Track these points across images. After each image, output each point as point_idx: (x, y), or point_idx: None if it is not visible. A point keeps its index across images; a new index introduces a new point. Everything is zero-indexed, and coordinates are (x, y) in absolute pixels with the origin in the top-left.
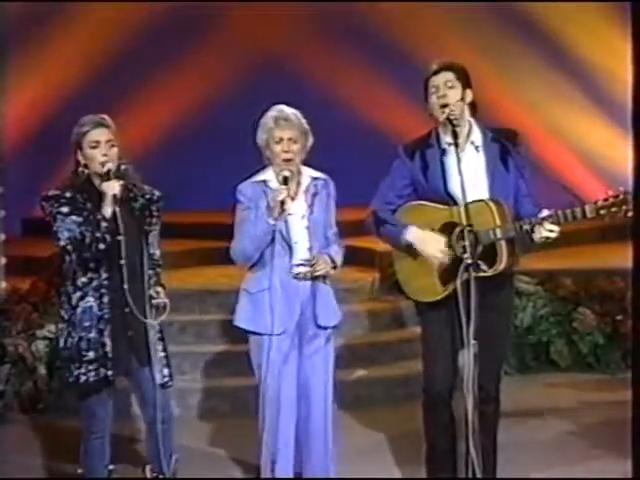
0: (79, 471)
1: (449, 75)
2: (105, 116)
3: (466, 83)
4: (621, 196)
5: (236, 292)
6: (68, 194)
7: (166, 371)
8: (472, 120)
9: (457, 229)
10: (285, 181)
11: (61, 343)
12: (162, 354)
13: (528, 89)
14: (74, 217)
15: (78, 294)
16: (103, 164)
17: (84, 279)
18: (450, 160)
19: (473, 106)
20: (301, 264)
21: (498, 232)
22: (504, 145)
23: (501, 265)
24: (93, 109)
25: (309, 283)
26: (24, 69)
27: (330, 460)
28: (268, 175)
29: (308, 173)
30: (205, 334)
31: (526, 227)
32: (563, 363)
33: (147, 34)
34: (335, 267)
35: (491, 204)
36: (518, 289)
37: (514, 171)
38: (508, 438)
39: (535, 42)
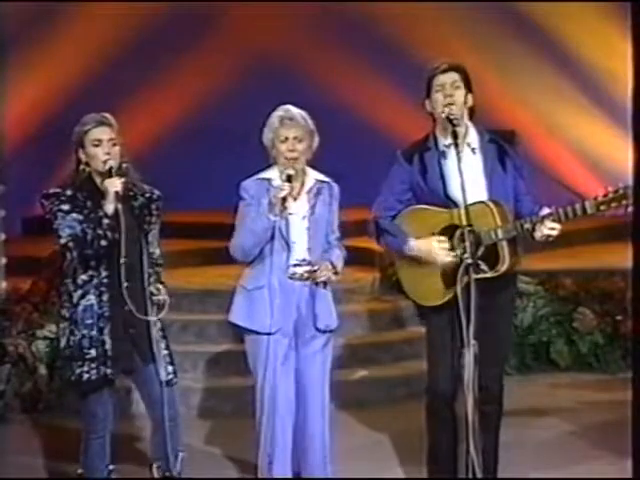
0: (79, 471)
1: (456, 76)
2: (107, 115)
3: (468, 86)
4: (620, 191)
5: None
6: (69, 192)
7: (170, 368)
8: (469, 123)
9: (458, 231)
10: (289, 179)
11: (63, 342)
12: (165, 352)
13: (528, 89)
14: (75, 215)
15: (79, 292)
16: (105, 162)
17: (84, 277)
18: (449, 162)
19: (471, 110)
20: (298, 264)
21: (499, 232)
22: (501, 146)
23: (504, 266)
24: (92, 109)
25: (307, 284)
26: (24, 69)
27: (328, 460)
28: (272, 174)
29: (313, 175)
30: (205, 334)
31: (527, 226)
32: (563, 363)
33: (147, 34)
34: (336, 273)
35: (491, 205)
36: (518, 289)
37: (512, 171)
38: (508, 438)
39: (535, 42)
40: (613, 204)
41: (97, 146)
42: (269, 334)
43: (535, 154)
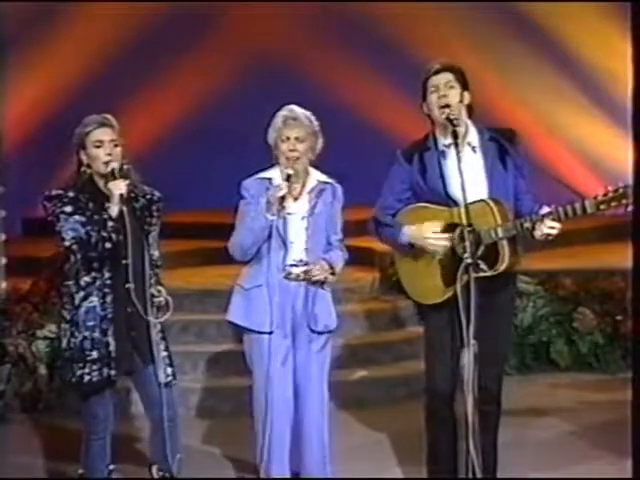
0: (79, 471)
1: (449, 76)
2: (109, 116)
3: (464, 85)
4: (620, 190)
5: None
6: (71, 194)
7: (169, 370)
8: (468, 121)
9: (458, 230)
10: (288, 178)
11: (64, 343)
12: (165, 353)
13: (528, 89)
14: (77, 217)
15: (81, 294)
16: (107, 163)
17: (87, 279)
18: (449, 162)
19: (470, 108)
20: (294, 264)
21: (499, 231)
22: (502, 145)
23: (503, 265)
24: (92, 109)
25: (303, 285)
26: (24, 69)
27: (327, 460)
28: (274, 173)
29: (316, 176)
30: (205, 334)
31: (527, 225)
32: (563, 363)
33: (147, 34)
34: (333, 273)
35: (491, 203)
36: (518, 289)
37: (513, 170)
38: (508, 438)
39: (535, 42)
40: (613, 203)
41: (99, 147)
42: (266, 333)
43: (535, 154)
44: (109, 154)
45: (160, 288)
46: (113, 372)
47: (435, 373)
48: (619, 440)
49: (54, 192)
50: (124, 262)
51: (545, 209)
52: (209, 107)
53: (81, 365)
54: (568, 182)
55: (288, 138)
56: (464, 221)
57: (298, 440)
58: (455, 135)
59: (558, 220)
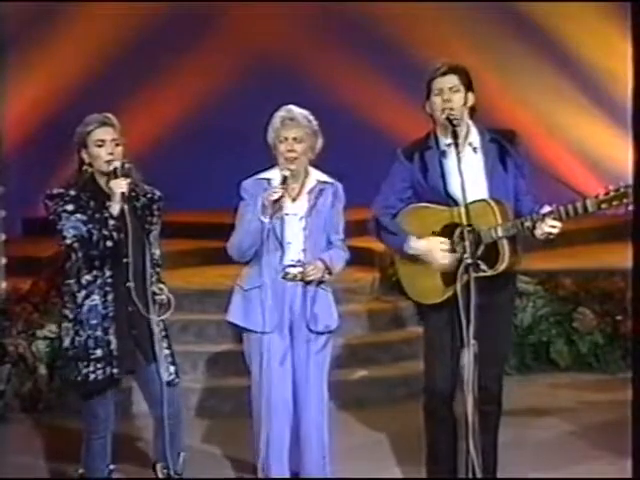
0: (80, 471)
1: (454, 79)
2: (110, 115)
3: (468, 86)
4: (622, 189)
5: None
6: (72, 192)
7: (172, 369)
8: (470, 122)
9: (458, 230)
10: (284, 181)
11: (66, 342)
12: (167, 352)
13: (528, 89)
14: (79, 215)
15: (83, 292)
16: (109, 162)
17: (89, 277)
18: (449, 161)
19: (472, 108)
20: (291, 265)
21: (500, 230)
22: (502, 145)
23: (503, 264)
24: (92, 109)
25: (301, 285)
26: (24, 69)
27: (327, 461)
28: (273, 174)
29: (315, 176)
30: (205, 334)
31: (527, 224)
32: (563, 363)
33: (147, 34)
34: (330, 273)
35: (492, 203)
36: (518, 289)
37: (513, 170)
38: (508, 438)
39: (535, 42)
40: (615, 202)
41: (100, 146)
42: (264, 333)
43: (535, 154)
44: (110, 153)
45: (162, 286)
46: (116, 370)
47: (434, 373)
48: (619, 440)
49: (55, 191)
50: (125, 260)
51: (546, 208)
52: (209, 107)
53: (86, 364)
54: (568, 182)
55: (286, 138)
56: (464, 221)
57: (298, 440)
58: (455, 135)
59: (559, 219)
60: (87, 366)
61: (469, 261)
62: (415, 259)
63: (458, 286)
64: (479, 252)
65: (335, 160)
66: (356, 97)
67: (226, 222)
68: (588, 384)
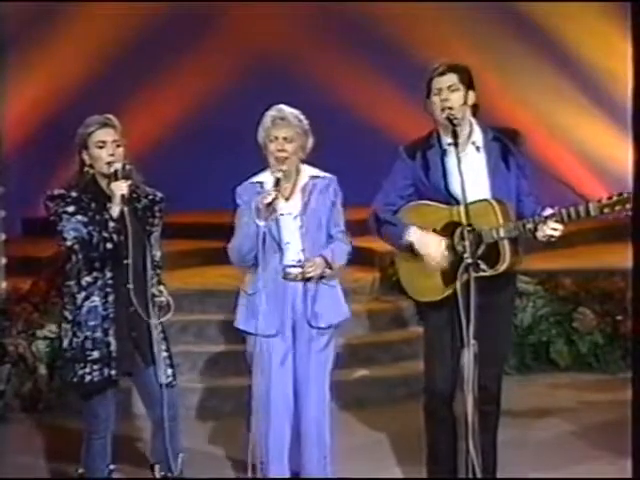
0: (80, 471)
1: (453, 78)
2: (111, 116)
3: (469, 85)
4: (625, 195)
5: (236, 292)
6: (73, 194)
7: (170, 371)
8: (473, 120)
9: (459, 229)
10: (276, 183)
11: (65, 343)
12: (165, 354)
13: (528, 89)
14: (79, 217)
15: (83, 294)
16: (110, 164)
17: (89, 279)
18: (451, 160)
19: (475, 107)
20: (292, 265)
21: (501, 231)
22: (505, 145)
23: (504, 264)
24: (92, 109)
25: (302, 284)
26: (24, 69)
27: (328, 461)
28: (265, 177)
29: (308, 172)
30: (205, 334)
31: (529, 226)
32: (563, 363)
33: (147, 34)
34: (331, 267)
35: (494, 203)
36: (518, 289)
37: (515, 170)
38: (508, 438)
39: (535, 42)
40: (617, 207)
41: (101, 148)
42: (268, 336)
43: (535, 154)
44: (111, 154)
45: (162, 288)
46: (114, 372)
47: (434, 373)
48: (619, 440)
49: (56, 192)
50: (125, 262)
51: (548, 211)
52: (209, 107)
53: (82, 365)
54: (568, 182)
55: (276, 138)
56: (464, 220)
57: (298, 439)
58: (455, 135)
59: (561, 222)
60: (83, 367)
61: (469, 261)
62: (415, 256)
63: (458, 285)
64: (480, 252)
65: (335, 160)
66: (356, 97)
67: (226, 222)
68: (588, 384)
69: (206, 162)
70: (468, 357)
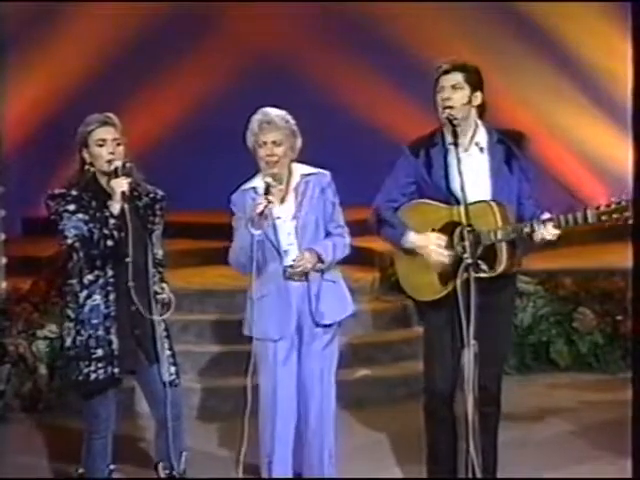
0: (80, 470)
1: (458, 77)
2: (111, 114)
3: (476, 85)
4: (623, 202)
5: (236, 292)
6: (74, 192)
7: (173, 369)
8: (479, 121)
9: (458, 229)
10: (267, 189)
11: (68, 342)
12: (168, 352)
13: (528, 89)
14: (80, 215)
15: (85, 292)
16: (110, 162)
17: (90, 277)
18: (453, 159)
19: (481, 107)
20: (292, 265)
21: (499, 233)
22: (509, 147)
23: (500, 267)
24: (92, 109)
25: (305, 284)
26: (24, 69)
27: (329, 460)
28: (258, 181)
29: (300, 171)
30: (205, 334)
31: (527, 229)
32: (563, 363)
33: (147, 34)
34: (322, 261)
35: (493, 205)
36: (518, 289)
37: (518, 174)
38: (508, 438)
39: (535, 42)
40: (615, 215)
41: (101, 146)
42: (274, 341)
43: (536, 154)
44: (112, 152)
45: (164, 285)
46: (117, 370)
47: (434, 373)
48: (619, 440)
49: (57, 191)
50: (126, 260)
51: (546, 215)
52: (209, 107)
53: (87, 363)
54: (568, 183)
55: (265, 143)
56: (464, 221)
57: (301, 439)
58: (455, 135)
59: (558, 227)
60: (88, 365)
61: (469, 261)
62: (413, 254)
63: (458, 282)
64: (478, 252)
65: (334, 160)
66: (355, 97)
67: (226, 222)
68: (588, 384)
69: (206, 162)
70: (468, 357)
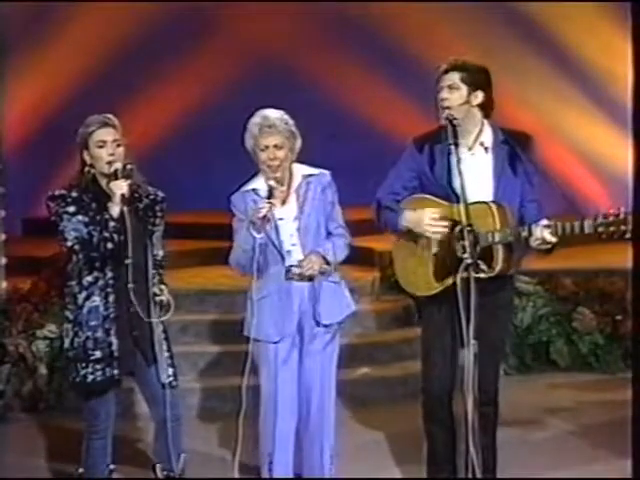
0: (79, 470)
1: (454, 77)
2: (111, 116)
3: (476, 84)
4: (621, 215)
5: (236, 292)
6: (74, 194)
7: (171, 371)
8: (485, 121)
9: (457, 228)
10: (270, 193)
11: (67, 343)
12: (167, 354)
13: (528, 89)
14: (80, 217)
15: (84, 294)
16: (110, 163)
17: (90, 278)
18: (455, 159)
19: (485, 107)
20: (294, 266)
21: (496, 236)
22: (514, 148)
23: (496, 268)
24: (92, 109)
25: (307, 284)
26: (24, 69)
27: (330, 460)
28: (258, 183)
29: (301, 172)
30: (205, 334)
31: (524, 234)
32: (563, 363)
33: (147, 34)
34: (328, 263)
35: (493, 207)
36: (518, 289)
37: (522, 176)
38: (508, 438)
39: (535, 42)
40: (612, 228)
41: (101, 147)
42: (274, 342)
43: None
44: (112, 154)
45: (162, 287)
46: (116, 372)
47: (432, 373)
48: (619, 440)
49: (57, 192)
50: (126, 262)
51: (544, 221)
52: (209, 107)
53: (84, 365)
54: (567, 183)
55: (267, 147)
56: (464, 220)
57: (302, 439)
58: (455, 135)
59: (555, 234)
60: (86, 367)
61: (469, 261)
62: (410, 249)
63: (458, 281)
64: (476, 252)
65: (334, 160)
66: (356, 97)
67: (226, 222)
68: (588, 384)
69: (206, 162)
70: (468, 357)
